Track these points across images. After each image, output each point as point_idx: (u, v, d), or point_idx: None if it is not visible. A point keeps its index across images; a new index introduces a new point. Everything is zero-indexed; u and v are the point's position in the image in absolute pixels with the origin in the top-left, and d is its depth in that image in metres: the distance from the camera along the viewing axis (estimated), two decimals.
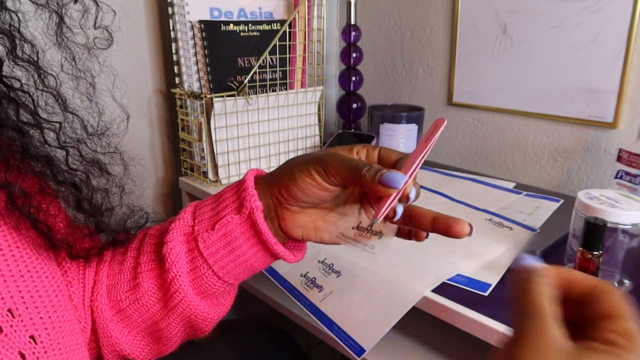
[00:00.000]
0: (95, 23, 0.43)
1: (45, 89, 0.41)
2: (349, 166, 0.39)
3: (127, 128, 0.50)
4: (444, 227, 0.40)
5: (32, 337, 0.35)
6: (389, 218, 0.41)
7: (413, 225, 0.43)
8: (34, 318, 0.36)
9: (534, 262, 0.33)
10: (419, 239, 0.44)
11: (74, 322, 0.42)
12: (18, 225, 0.39)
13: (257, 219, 0.43)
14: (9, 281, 0.36)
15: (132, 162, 0.49)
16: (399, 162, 0.42)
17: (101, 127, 0.46)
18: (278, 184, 0.43)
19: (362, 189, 0.44)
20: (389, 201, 0.39)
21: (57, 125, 0.42)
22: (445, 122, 0.39)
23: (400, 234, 0.45)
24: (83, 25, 0.42)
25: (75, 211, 0.44)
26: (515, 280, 0.32)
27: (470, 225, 0.40)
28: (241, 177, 0.98)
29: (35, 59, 0.40)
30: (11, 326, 0.34)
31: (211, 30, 0.88)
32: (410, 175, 0.39)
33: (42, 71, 0.40)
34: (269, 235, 0.43)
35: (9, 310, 0.35)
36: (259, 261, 0.46)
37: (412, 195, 0.39)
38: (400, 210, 0.41)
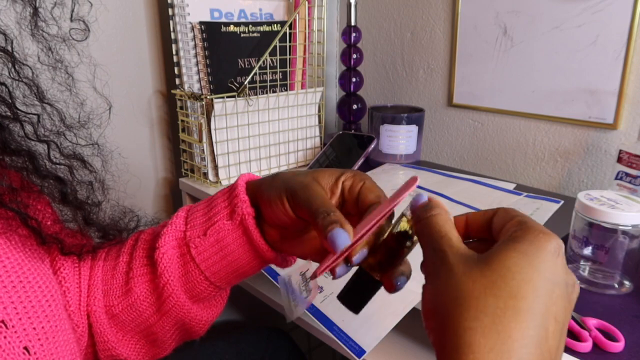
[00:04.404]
0: (71, 15, 0.42)
1: (21, 79, 0.40)
2: (310, 208, 0.38)
3: (110, 119, 0.50)
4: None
5: (25, 348, 0.35)
6: (332, 274, 0.37)
7: None
8: (28, 329, 0.36)
9: (425, 198, 0.34)
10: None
11: (68, 332, 0.41)
12: (7, 228, 0.38)
13: (249, 226, 0.43)
14: (1, 292, 0.35)
15: (111, 155, 0.49)
16: (369, 209, 0.39)
17: (82, 118, 0.45)
18: (259, 197, 0.43)
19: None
20: (331, 260, 0.36)
21: (36, 117, 0.41)
22: (418, 180, 0.35)
23: None
24: (58, 17, 0.41)
25: (61, 205, 0.43)
26: (416, 221, 0.33)
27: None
28: None
29: (10, 49, 0.39)
30: (5, 337, 0.34)
31: (211, 32, 0.89)
32: (361, 237, 0.35)
33: (17, 61, 0.40)
34: (261, 242, 0.43)
35: (2, 321, 0.34)
36: (250, 265, 0.46)
37: (357, 260, 0.36)
38: (341, 271, 0.36)
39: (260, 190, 0.43)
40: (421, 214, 0.33)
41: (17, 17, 0.39)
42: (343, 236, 0.35)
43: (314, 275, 0.38)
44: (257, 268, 0.47)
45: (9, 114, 0.40)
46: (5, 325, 0.34)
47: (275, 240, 0.45)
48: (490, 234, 0.33)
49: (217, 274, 0.45)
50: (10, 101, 0.40)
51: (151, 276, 0.46)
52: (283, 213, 0.41)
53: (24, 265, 0.39)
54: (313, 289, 0.40)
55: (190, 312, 0.47)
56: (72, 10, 0.42)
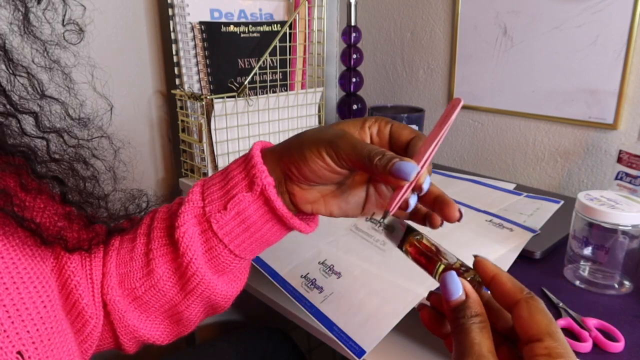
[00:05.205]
0: (63, 19, 0.41)
1: (16, 75, 0.39)
2: (361, 153, 0.37)
3: (111, 119, 0.49)
4: (440, 206, 0.39)
5: (19, 352, 0.34)
6: (402, 209, 0.38)
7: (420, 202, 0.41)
8: (21, 332, 0.35)
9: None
10: (433, 225, 0.41)
11: (65, 333, 0.40)
12: (2, 230, 0.37)
13: (270, 196, 0.41)
14: None
15: (122, 145, 0.48)
16: (411, 142, 0.40)
17: (83, 118, 0.45)
18: (288, 161, 0.41)
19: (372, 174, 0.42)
20: (401, 193, 0.36)
21: (34, 113, 0.40)
22: (462, 102, 0.36)
23: (415, 218, 0.43)
24: (52, 19, 0.40)
25: (62, 204, 0.43)
26: (450, 319, 0.33)
27: (460, 212, 0.39)
28: None
29: (2, 46, 0.38)
30: None
31: (211, 32, 0.89)
32: (424, 164, 0.36)
33: (11, 60, 0.39)
34: (285, 210, 0.42)
35: None
36: (274, 235, 0.45)
37: (426, 186, 0.37)
38: (413, 201, 0.38)
39: (288, 152, 0.41)
40: (457, 317, 0.32)
41: (10, 18, 0.38)
42: (410, 165, 0.35)
43: (385, 215, 0.38)
44: (280, 236, 0.46)
45: (4, 109, 0.39)
46: None
47: (304, 203, 0.43)
48: (514, 328, 0.32)
49: (241, 245, 0.45)
50: (5, 99, 0.39)
51: (172, 256, 0.46)
52: (324, 167, 0.39)
53: (20, 265, 0.38)
54: (398, 223, 0.40)
55: (216, 287, 0.47)
56: (64, 15, 0.41)
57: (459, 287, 0.33)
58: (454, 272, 0.34)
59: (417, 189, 0.37)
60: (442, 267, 0.36)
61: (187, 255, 0.44)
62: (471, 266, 0.36)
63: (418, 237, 0.39)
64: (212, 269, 0.46)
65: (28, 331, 0.36)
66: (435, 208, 0.40)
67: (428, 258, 0.37)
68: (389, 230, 0.41)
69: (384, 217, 0.39)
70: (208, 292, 0.47)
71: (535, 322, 0.30)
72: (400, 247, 0.40)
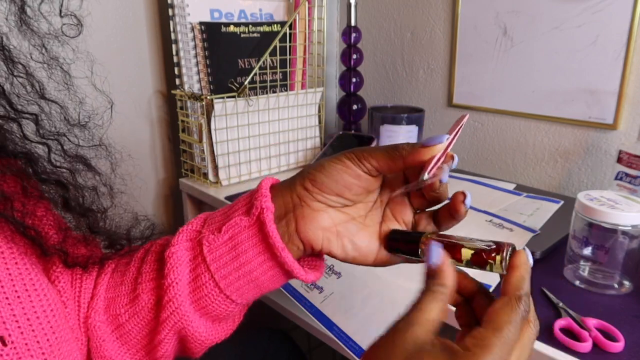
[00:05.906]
0: (60, 11, 0.40)
1: (15, 76, 0.38)
2: (386, 148, 0.38)
3: (112, 117, 0.47)
4: (451, 201, 0.39)
5: None
6: (436, 177, 0.37)
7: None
8: (30, 343, 0.33)
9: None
10: (457, 212, 0.39)
11: (71, 341, 0.39)
12: (10, 236, 0.36)
13: (265, 220, 0.39)
14: (2, 304, 0.33)
15: (119, 156, 0.46)
16: None
17: (83, 117, 0.42)
18: (302, 179, 0.40)
19: (398, 172, 0.40)
20: (435, 159, 0.36)
21: (35, 116, 0.39)
22: (467, 116, 0.40)
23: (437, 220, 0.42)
24: (48, 12, 0.39)
25: (63, 211, 0.41)
26: (425, 283, 0.34)
27: (464, 193, 0.39)
28: (241, 179, 0.98)
29: (0, 45, 0.37)
30: (1, 357, 0.32)
31: (211, 32, 0.89)
32: (454, 137, 0.37)
33: (10, 59, 0.37)
34: (277, 239, 0.38)
35: (0, 337, 0.32)
36: (265, 274, 0.41)
37: (457, 158, 0.38)
38: (446, 172, 0.38)
39: (304, 171, 0.41)
40: (429, 283, 0.34)
41: (6, 12, 0.37)
42: (440, 135, 0.37)
43: (421, 178, 0.37)
44: (272, 279, 0.41)
45: (5, 113, 0.38)
46: (4, 342, 0.32)
47: (315, 228, 0.40)
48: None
49: (228, 277, 0.41)
50: (4, 100, 0.38)
51: (159, 282, 0.42)
52: (343, 170, 0.38)
53: (32, 272, 0.36)
54: (435, 174, 0.38)
55: (191, 323, 0.42)
56: (61, 5, 0.40)
57: (437, 256, 0.34)
58: (439, 246, 0.35)
59: (448, 158, 0.38)
60: (470, 252, 0.35)
61: (169, 278, 0.41)
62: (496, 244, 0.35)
63: (431, 234, 0.39)
64: (194, 304, 0.42)
65: (38, 341, 0.34)
66: (450, 207, 0.40)
67: (450, 247, 0.36)
68: (393, 242, 0.41)
69: (421, 180, 0.38)
70: (180, 325, 0.41)
71: (495, 312, 0.31)
72: (415, 253, 0.39)
